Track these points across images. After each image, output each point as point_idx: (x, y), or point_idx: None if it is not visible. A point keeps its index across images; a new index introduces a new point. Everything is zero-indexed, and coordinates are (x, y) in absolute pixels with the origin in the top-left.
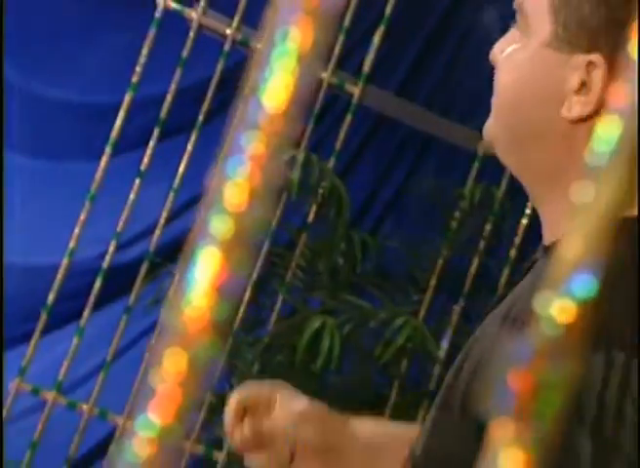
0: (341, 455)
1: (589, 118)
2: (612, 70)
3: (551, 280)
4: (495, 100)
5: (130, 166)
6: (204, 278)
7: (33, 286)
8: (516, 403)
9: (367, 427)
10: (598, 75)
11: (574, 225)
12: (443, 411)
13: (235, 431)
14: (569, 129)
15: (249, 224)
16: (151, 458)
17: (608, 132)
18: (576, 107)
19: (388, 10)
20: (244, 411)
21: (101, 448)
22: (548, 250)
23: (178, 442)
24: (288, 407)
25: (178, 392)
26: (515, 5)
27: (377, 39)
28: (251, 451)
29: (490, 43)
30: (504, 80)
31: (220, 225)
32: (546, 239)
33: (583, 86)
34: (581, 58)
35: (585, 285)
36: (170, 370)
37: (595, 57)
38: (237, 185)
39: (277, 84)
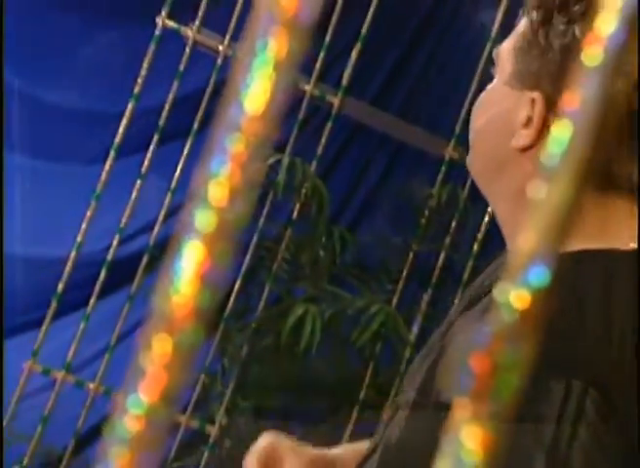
0: None
1: (531, 148)
2: (551, 106)
3: (509, 271)
4: (469, 136)
5: (132, 168)
6: (189, 268)
7: (42, 277)
8: (476, 383)
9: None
10: (537, 110)
11: (529, 221)
12: (419, 404)
13: None
14: (519, 157)
15: (230, 219)
16: (140, 434)
17: (560, 134)
18: (519, 139)
19: (364, 29)
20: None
21: (106, 423)
22: None
23: (165, 419)
24: (296, 457)
25: (163, 374)
26: (494, 55)
27: (354, 56)
28: None
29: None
30: (474, 116)
31: (203, 219)
32: None
33: (530, 120)
34: (527, 96)
35: (539, 275)
36: (157, 353)
37: (536, 94)
38: (219, 183)
39: (257, 90)
